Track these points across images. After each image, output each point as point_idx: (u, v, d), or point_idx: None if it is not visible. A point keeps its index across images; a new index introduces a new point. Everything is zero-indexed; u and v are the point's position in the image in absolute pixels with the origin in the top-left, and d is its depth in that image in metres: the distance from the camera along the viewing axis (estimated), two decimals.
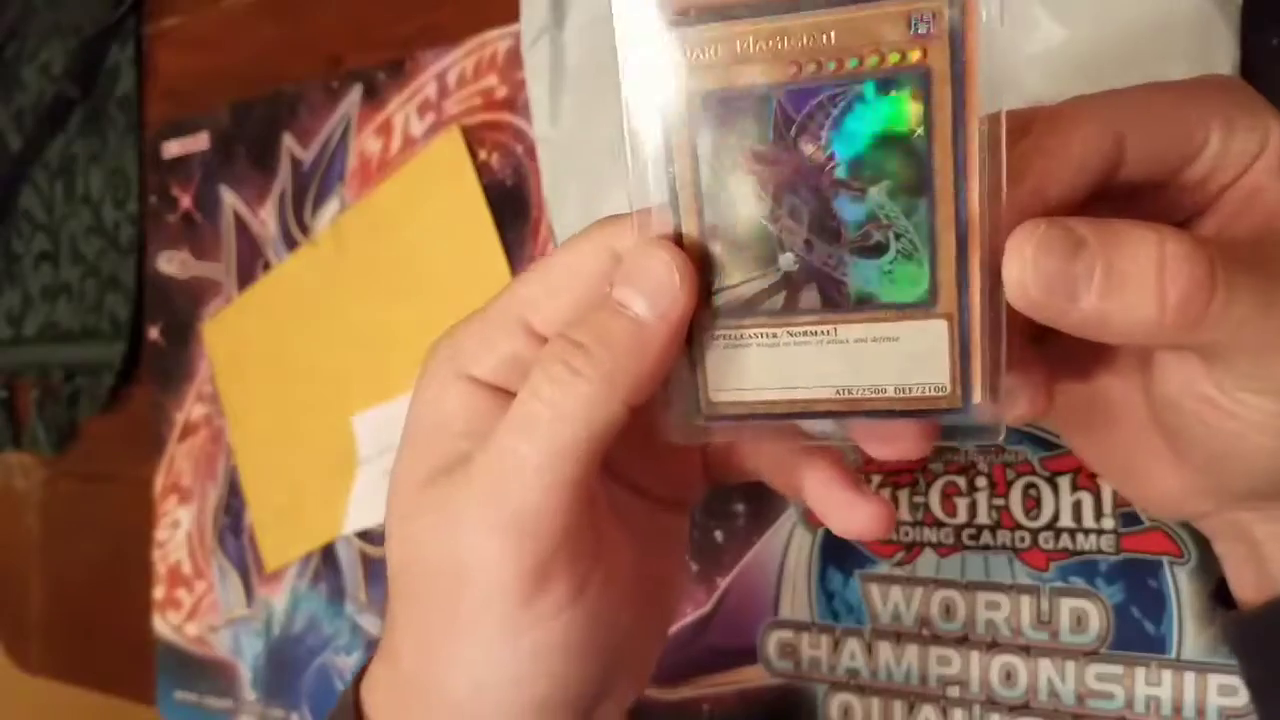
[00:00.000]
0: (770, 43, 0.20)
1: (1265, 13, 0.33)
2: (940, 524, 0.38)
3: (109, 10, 0.67)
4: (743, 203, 0.22)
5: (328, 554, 0.55)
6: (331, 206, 0.56)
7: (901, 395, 0.22)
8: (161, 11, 0.66)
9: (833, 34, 0.20)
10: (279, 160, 0.58)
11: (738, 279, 0.22)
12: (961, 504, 0.38)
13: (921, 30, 0.19)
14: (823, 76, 0.20)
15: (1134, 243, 0.20)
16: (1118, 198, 0.23)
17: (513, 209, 0.49)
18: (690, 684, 0.43)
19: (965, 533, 0.38)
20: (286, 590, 0.57)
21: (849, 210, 0.21)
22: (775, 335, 0.23)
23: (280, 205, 0.58)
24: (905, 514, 0.39)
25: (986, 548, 0.37)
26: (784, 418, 0.23)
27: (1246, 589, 0.27)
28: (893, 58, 0.19)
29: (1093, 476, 0.35)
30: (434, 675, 0.25)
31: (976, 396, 0.22)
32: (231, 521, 0.60)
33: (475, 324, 0.26)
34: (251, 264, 0.59)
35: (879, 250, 0.21)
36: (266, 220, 0.59)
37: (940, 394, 0.22)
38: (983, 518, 0.37)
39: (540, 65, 0.46)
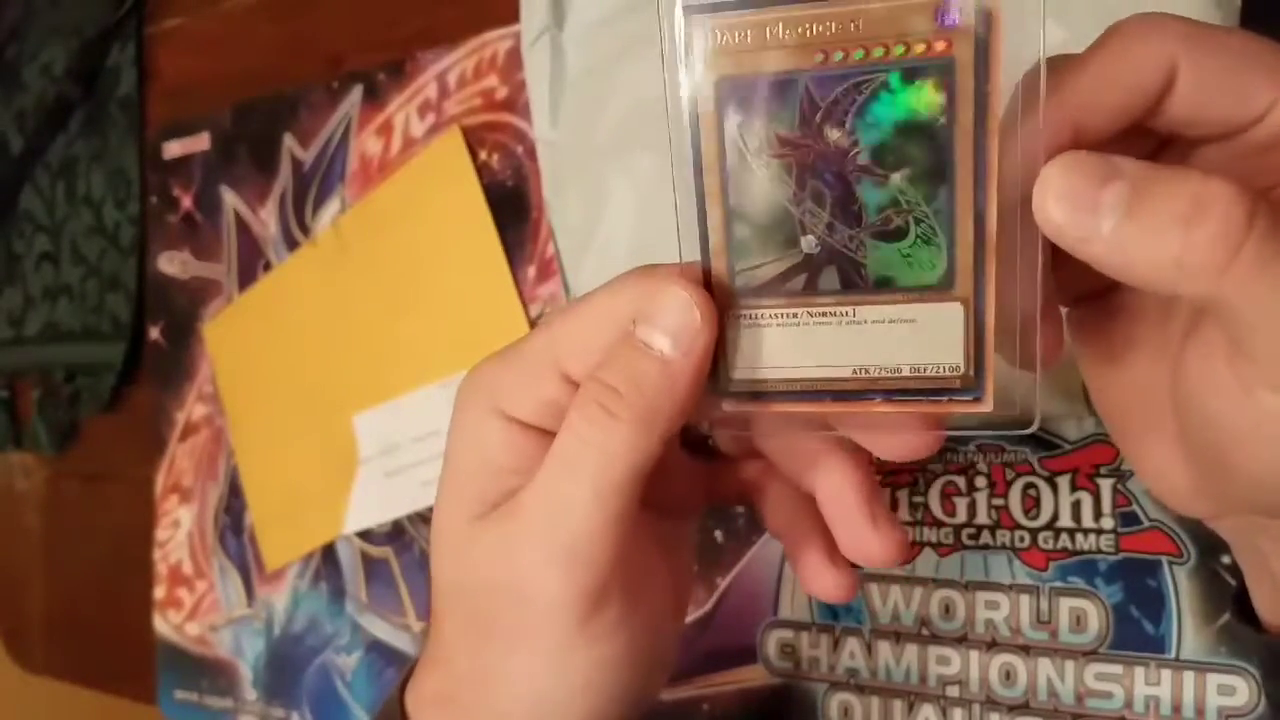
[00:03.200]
0: (800, 30, 0.21)
1: (1265, 13, 0.33)
2: (939, 524, 0.38)
3: (110, 11, 0.67)
4: (767, 185, 0.22)
5: (328, 554, 0.56)
6: (332, 207, 0.56)
7: (917, 375, 0.23)
8: (162, 12, 0.66)
9: (861, 23, 0.20)
10: (280, 161, 0.58)
11: (760, 260, 0.23)
12: (961, 504, 0.38)
13: (948, 22, 0.20)
14: (849, 64, 0.21)
15: (1175, 177, 0.19)
16: (1179, 145, 0.22)
17: (513, 209, 0.49)
18: (690, 684, 0.43)
19: (965, 532, 0.38)
20: (287, 590, 0.57)
21: (871, 195, 0.22)
22: (795, 315, 0.23)
23: (281, 205, 0.58)
24: (905, 514, 0.39)
25: (986, 547, 0.37)
26: (802, 395, 0.24)
27: (1264, 604, 0.26)
28: (918, 48, 0.20)
29: (1091, 476, 0.35)
30: (490, 690, 0.26)
31: (989, 378, 0.22)
32: (232, 521, 0.60)
33: (511, 363, 0.26)
34: (252, 264, 0.60)
35: (899, 234, 0.22)
36: (267, 220, 0.59)
37: (954, 374, 0.22)
38: (982, 517, 0.37)
39: (540, 66, 0.46)
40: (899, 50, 0.20)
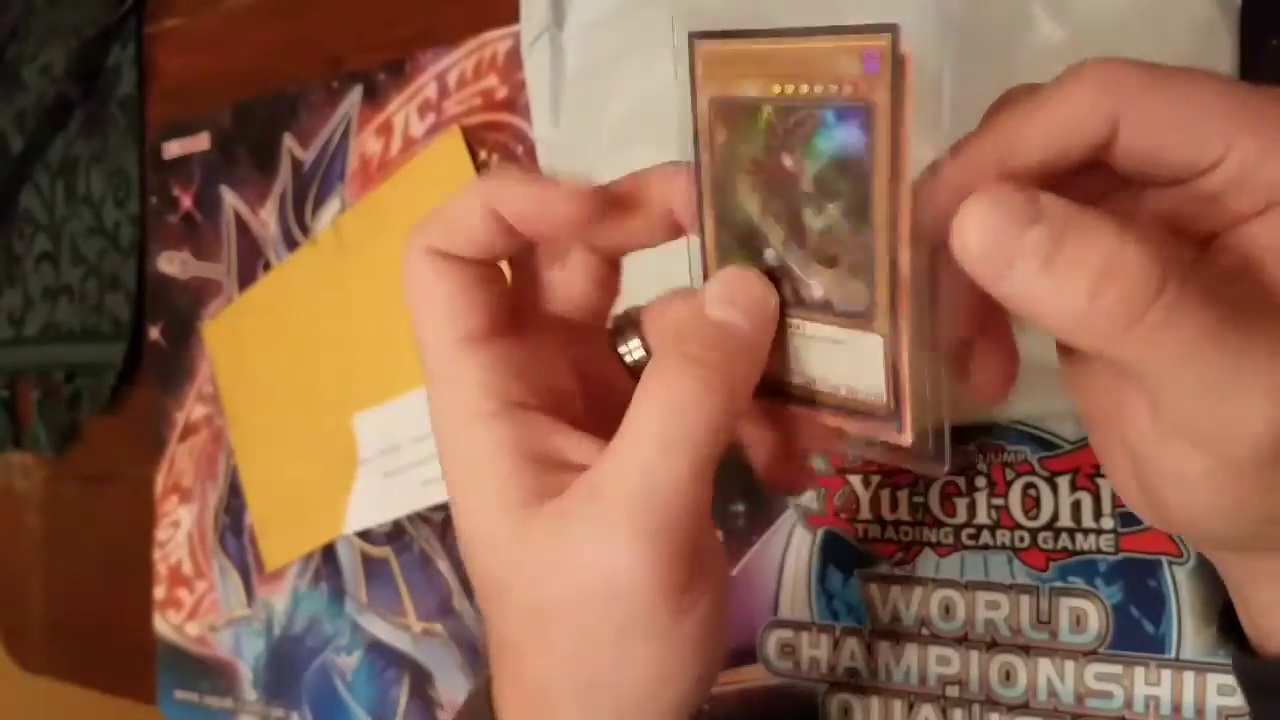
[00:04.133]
0: (764, 63, 0.22)
1: (1265, 13, 0.33)
2: (939, 524, 0.38)
3: (110, 11, 0.67)
4: (741, 199, 0.24)
5: (328, 554, 0.56)
6: (332, 207, 0.56)
7: (852, 396, 0.24)
8: (162, 12, 0.66)
9: (808, 61, 0.22)
10: (279, 160, 0.58)
11: (733, 265, 0.25)
12: (961, 504, 0.38)
13: (871, 67, 0.21)
14: (799, 98, 0.22)
15: (1095, 230, 0.19)
16: (1130, 184, 0.22)
17: None
18: None
19: (964, 532, 0.38)
20: (287, 590, 0.57)
21: (813, 221, 0.23)
22: None
23: (281, 205, 0.58)
24: (905, 514, 0.39)
25: (986, 547, 0.37)
26: (763, 392, 0.25)
27: (1246, 623, 0.26)
28: (847, 89, 0.21)
29: (1091, 476, 0.35)
30: (603, 695, 0.25)
31: (908, 419, 0.23)
32: (232, 521, 0.60)
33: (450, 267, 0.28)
34: (252, 264, 0.60)
35: (833, 262, 0.23)
36: (267, 220, 0.59)
37: (878, 402, 0.24)
38: (982, 517, 0.37)
39: (540, 66, 0.46)
40: (834, 90, 0.21)
